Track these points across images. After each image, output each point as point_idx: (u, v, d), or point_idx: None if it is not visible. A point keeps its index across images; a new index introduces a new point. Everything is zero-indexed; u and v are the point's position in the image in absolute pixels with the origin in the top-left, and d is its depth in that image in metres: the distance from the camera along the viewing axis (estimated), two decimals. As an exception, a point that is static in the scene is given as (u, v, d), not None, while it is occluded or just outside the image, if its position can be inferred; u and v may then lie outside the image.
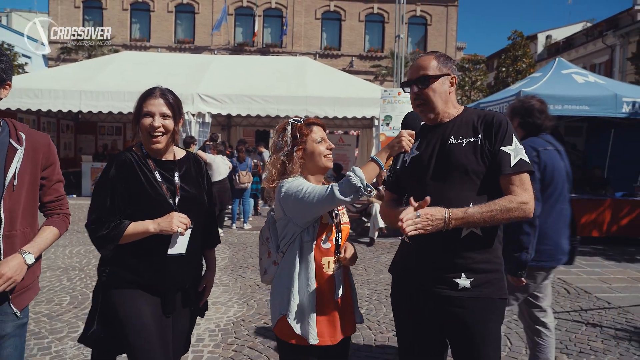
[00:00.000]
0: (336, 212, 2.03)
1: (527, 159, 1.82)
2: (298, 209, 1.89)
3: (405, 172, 1.97)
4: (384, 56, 26.71)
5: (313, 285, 1.91)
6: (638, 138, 9.30)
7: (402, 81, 2.22)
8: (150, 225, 1.89)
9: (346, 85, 13.52)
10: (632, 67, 22.76)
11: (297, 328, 1.87)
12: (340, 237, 2.00)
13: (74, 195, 13.35)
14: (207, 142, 9.18)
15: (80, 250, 6.85)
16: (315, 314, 1.89)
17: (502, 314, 1.89)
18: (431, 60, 1.92)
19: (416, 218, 1.66)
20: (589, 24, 34.61)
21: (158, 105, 1.95)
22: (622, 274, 6.08)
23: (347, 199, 1.76)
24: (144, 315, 1.92)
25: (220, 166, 8.05)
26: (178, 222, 1.91)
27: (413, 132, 1.86)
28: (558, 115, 6.65)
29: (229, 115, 13.87)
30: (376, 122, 12.48)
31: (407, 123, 1.91)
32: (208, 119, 12.34)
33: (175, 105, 2.01)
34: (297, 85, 13.25)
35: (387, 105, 8.79)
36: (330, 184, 1.82)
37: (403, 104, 8.89)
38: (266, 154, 12.88)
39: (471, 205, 1.76)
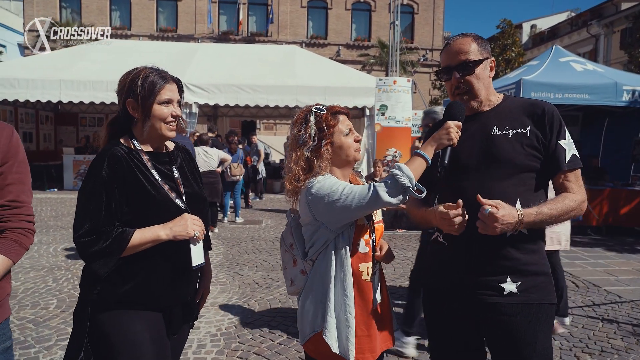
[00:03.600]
0: None
1: (577, 154, 1.69)
2: (333, 213, 1.65)
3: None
4: (372, 45, 26.44)
5: (352, 296, 1.68)
6: (631, 127, 9.26)
7: (436, 69, 2.01)
8: (161, 231, 1.61)
9: (336, 75, 13.22)
10: (619, 56, 22.92)
11: (334, 346, 1.65)
12: (375, 237, 1.78)
13: (56, 189, 12.91)
14: (202, 135, 8.76)
15: (65, 248, 6.49)
16: (354, 329, 1.67)
17: (551, 321, 1.73)
18: (471, 42, 1.73)
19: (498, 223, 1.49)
20: (573, 14, 34.83)
21: (174, 92, 1.75)
22: (626, 266, 5.99)
23: (395, 201, 1.56)
24: (141, 344, 1.62)
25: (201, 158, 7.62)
26: (193, 224, 1.66)
27: (459, 124, 1.68)
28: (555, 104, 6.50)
29: (215, 106, 13.46)
30: (368, 112, 12.24)
31: (451, 113, 1.71)
32: (195, 109, 11.94)
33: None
34: (287, 74, 12.91)
35: (383, 95, 8.56)
36: (371, 184, 1.60)
37: (399, 93, 8.67)
38: (259, 145, 12.46)
39: (518, 203, 1.62)
